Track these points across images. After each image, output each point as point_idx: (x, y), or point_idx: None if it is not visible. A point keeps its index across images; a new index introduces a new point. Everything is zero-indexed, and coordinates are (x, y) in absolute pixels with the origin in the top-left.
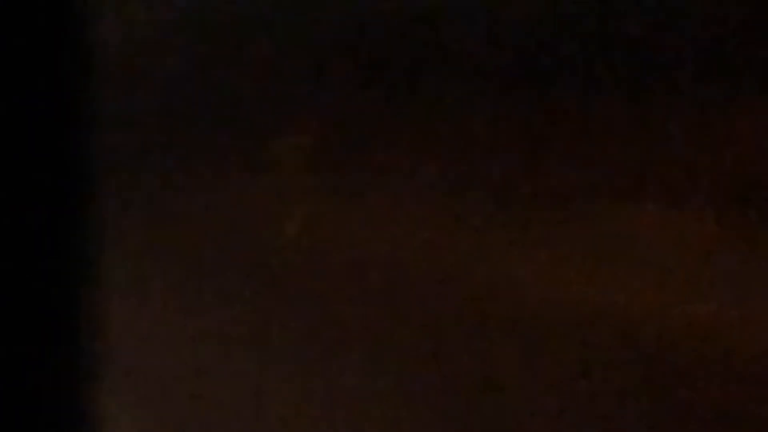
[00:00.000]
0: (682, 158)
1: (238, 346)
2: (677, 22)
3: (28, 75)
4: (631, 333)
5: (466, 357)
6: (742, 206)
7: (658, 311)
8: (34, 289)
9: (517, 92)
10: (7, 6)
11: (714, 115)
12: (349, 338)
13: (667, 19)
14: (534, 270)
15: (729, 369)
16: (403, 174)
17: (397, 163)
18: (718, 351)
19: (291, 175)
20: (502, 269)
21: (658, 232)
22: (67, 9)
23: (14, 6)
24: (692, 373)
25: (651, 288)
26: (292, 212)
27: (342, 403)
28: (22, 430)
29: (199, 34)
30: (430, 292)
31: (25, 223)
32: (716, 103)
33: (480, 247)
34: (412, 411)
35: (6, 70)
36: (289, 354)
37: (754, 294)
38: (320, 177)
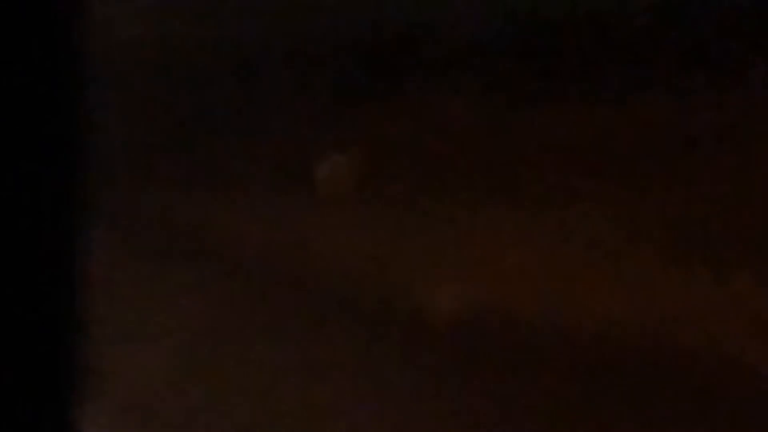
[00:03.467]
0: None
1: (235, 351)
2: None
3: (21, 72)
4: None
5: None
6: None
7: None
8: (22, 291)
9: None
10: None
11: None
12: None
13: None
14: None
15: None
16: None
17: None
18: None
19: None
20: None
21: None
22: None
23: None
24: None
25: None
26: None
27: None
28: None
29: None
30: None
31: (13, 223)
32: None
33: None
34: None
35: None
36: (295, 367)
37: None
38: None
